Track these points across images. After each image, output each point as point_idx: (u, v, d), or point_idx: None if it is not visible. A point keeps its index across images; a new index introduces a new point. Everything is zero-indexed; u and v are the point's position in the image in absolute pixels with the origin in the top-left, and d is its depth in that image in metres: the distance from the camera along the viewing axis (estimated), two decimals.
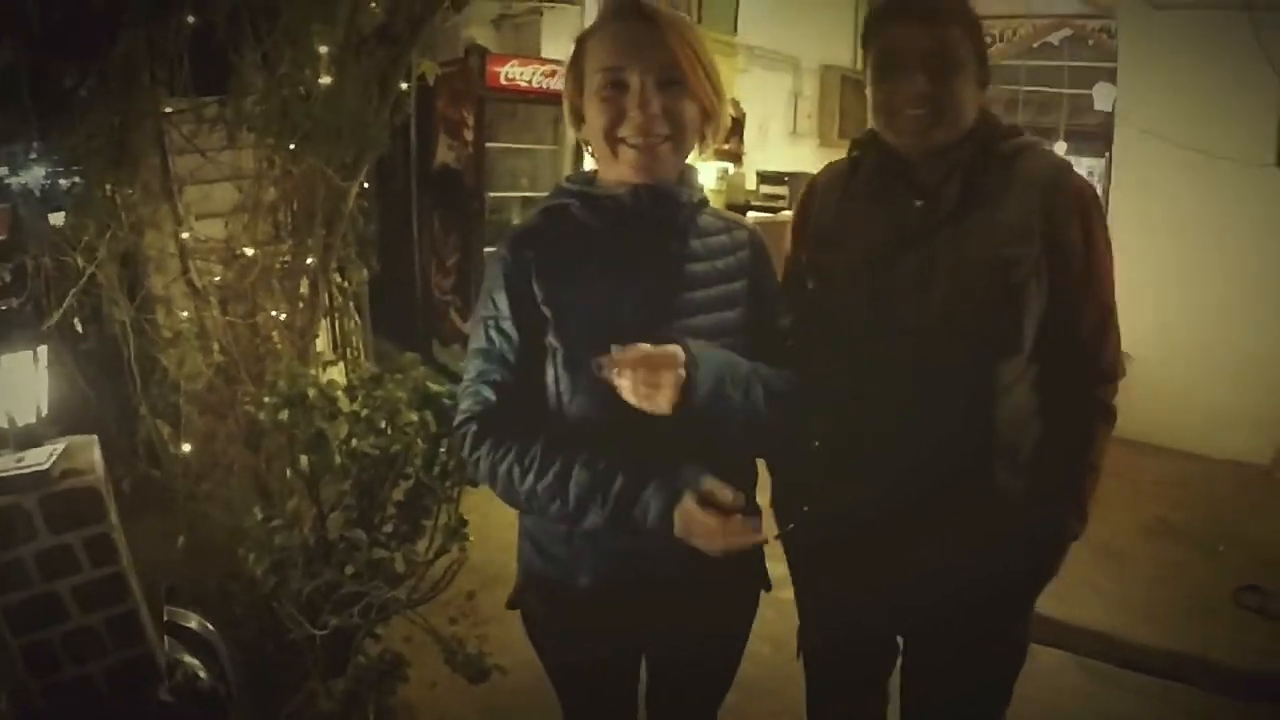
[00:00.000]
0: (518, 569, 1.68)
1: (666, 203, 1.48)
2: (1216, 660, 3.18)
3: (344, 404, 2.28)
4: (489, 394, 1.48)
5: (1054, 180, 1.59)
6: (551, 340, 1.46)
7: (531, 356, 1.48)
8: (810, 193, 1.82)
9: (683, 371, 1.32)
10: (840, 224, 1.70)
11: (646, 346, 1.32)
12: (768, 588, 1.69)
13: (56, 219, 2.62)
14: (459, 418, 1.52)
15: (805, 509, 1.83)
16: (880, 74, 1.59)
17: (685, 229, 1.52)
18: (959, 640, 1.71)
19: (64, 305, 2.54)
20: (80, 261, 2.55)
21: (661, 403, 1.32)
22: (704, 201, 1.57)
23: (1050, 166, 1.62)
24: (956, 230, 1.57)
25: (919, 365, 1.58)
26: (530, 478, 1.42)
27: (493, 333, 1.48)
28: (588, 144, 1.52)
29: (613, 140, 1.43)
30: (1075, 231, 1.57)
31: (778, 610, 1.84)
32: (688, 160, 1.55)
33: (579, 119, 1.50)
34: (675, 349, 1.33)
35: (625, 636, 1.62)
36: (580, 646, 1.63)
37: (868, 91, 1.64)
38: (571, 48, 1.51)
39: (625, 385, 1.32)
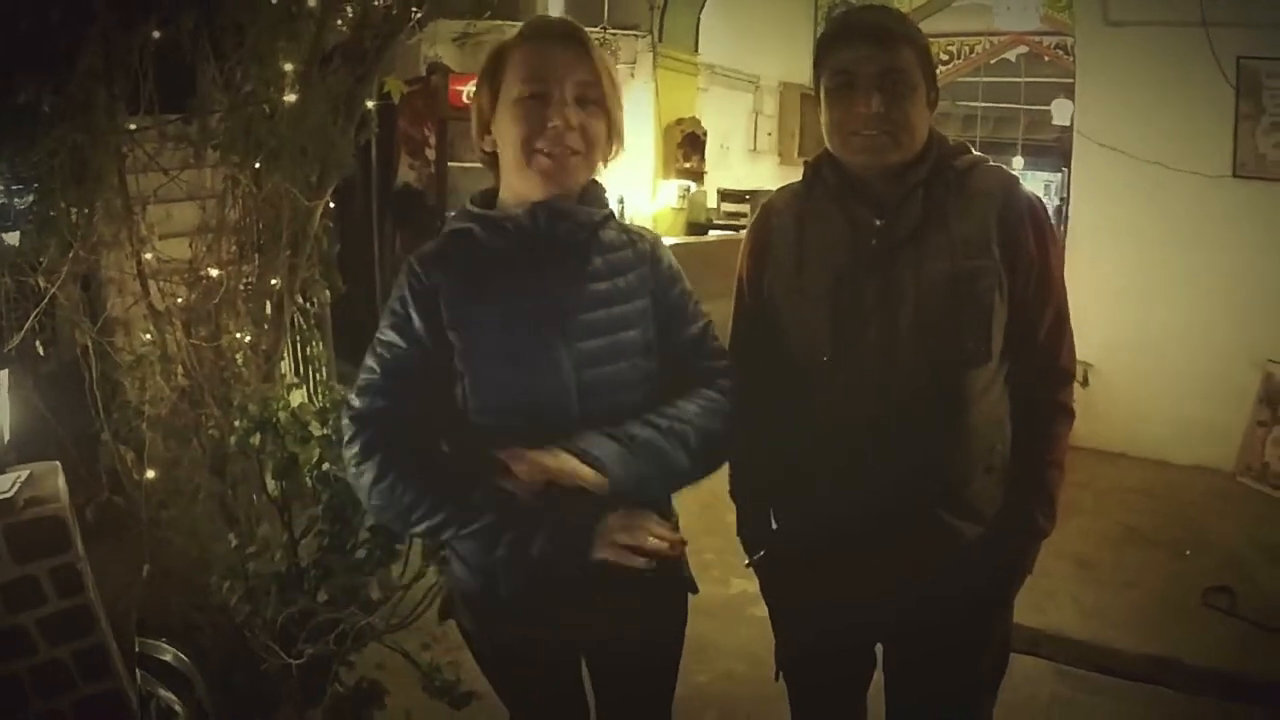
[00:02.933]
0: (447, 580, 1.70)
1: (565, 221, 1.49)
2: (1189, 661, 3.21)
3: (315, 427, 2.24)
4: (387, 384, 1.50)
5: (1007, 193, 1.64)
6: (458, 363, 1.48)
7: (429, 370, 1.49)
8: (766, 216, 1.82)
9: (591, 476, 1.38)
10: (800, 246, 1.71)
11: (541, 458, 1.38)
12: (693, 590, 1.70)
13: (12, 238, 2.56)
14: (349, 412, 1.52)
15: (774, 528, 1.85)
16: (835, 96, 1.61)
17: (586, 246, 1.53)
18: (939, 646, 1.71)
19: (24, 328, 2.47)
20: (41, 283, 2.49)
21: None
22: (609, 217, 1.58)
23: (1002, 180, 1.66)
24: (919, 247, 1.60)
25: (891, 382, 1.60)
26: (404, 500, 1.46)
27: (394, 334, 1.51)
28: (487, 153, 1.55)
29: (529, 151, 1.46)
30: (1030, 240, 1.61)
31: (753, 628, 1.82)
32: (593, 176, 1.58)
33: (485, 131, 1.53)
34: (573, 466, 1.38)
35: (553, 645, 1.63)
36: (510, 656, 1.64)
37: (822, 113, 1.66)
38: (487, 60, 1.53)
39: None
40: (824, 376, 1.64)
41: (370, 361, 1.52)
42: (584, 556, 1.42)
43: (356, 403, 1.51)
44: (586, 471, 1.38)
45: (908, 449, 1.60)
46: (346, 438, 1.50)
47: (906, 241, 1.60)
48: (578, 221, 1.51)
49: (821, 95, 1.64)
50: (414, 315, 1.50)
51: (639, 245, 1.59)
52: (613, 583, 1.46)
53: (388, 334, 1.52)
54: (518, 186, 1.51)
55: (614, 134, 1.54)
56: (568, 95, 1.44)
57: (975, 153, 1.70)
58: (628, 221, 1.71)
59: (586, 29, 1.53)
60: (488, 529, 1.43)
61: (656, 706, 1.78)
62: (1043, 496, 1.70)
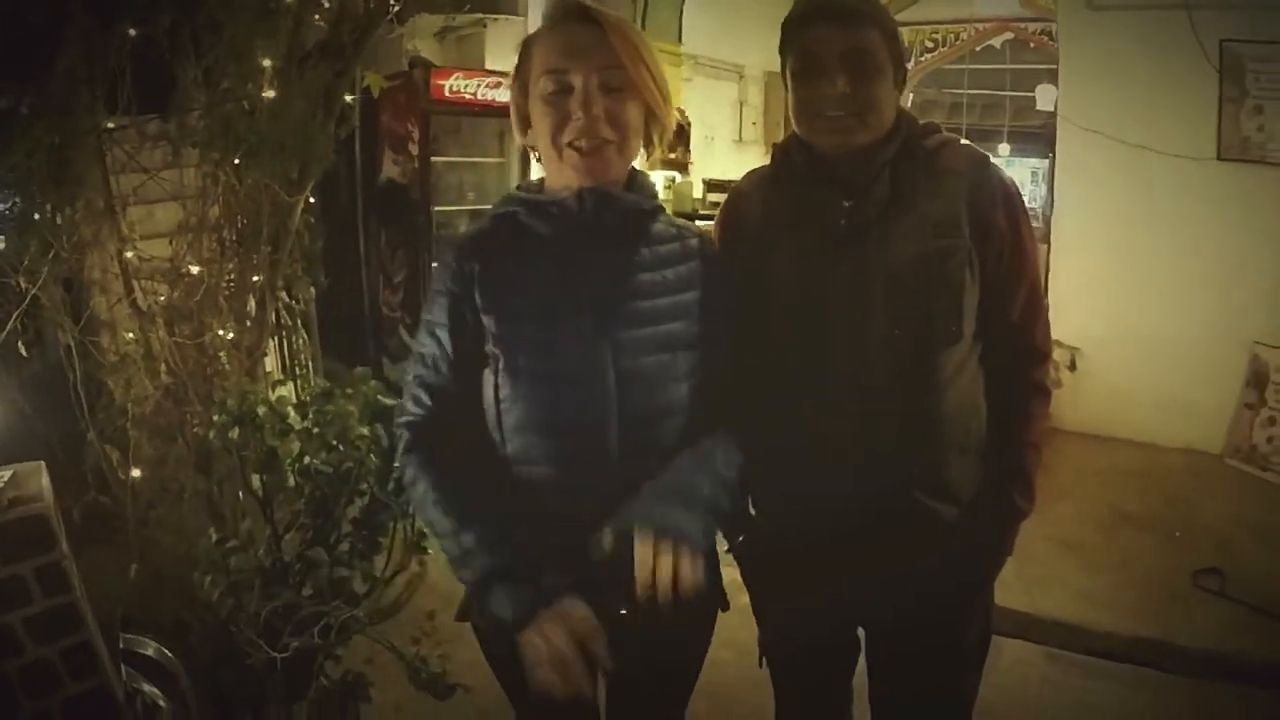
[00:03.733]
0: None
1: (612, 208, 1.46)
2: (1180, 643, 3.23)
3: (295, 420, 2.24)
4: (424, 397, 1.50)
5: (977, 171, 1.63)
6: (492, 349, 1.45)
7: (468, 366, 1.48)
8: (735, 200, 1.82)
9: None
10: (769, 229, 1.71)
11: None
12: (724, 608, 1.68)
13: None
14: (398, 418, 1.54)
15: (754, 514, 1.84)
16: (801, 77, 1.61)
17: (634, 236, 1.50)
18: (920, 630, 1.71)
19: (6, 328, 2.46)
20: (23, 284, 2.48)
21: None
22: (658, 209, 1.55)
23: (971, 159, 1.65)
24: (888, 227, 1.59)
25: (863, 363, 1.60)
26: (435, 514, 1.44)
27: (431, 338, 1.49)
28: (534, 150, 1.52)
29: (558, 144, 1.43)
30: (1001, 218, 1.60)
31: (741, 617, 1.82)
32: (638, 166, 1.55)
33: (525, 125, 1.51)
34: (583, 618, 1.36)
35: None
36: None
37: (789, 95, 1.65)
38: (517, 54, 1.51)
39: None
40: (796, 359, 1.63)
41: (409, 363, 1.53)
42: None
43: (404, 404, 1.53)
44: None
45: (881, 431, 1.60)
46: (397, 439, 1.54)
47: (875, 222, 1.59)
48: (626, 209, 1.48)
49: (787, 77, 1.64)
50: (445, 315, 1.48)
51: (688, 240, 1.56)
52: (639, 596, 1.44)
53: (420, 336, 1.51)
54: (556, 179, 1.50)
55: (652, 118, 1.49)
56: (591, 84, 1.40)
57: (944, 132, 1.69)
58: None
59: None
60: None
61: (670, 712, 1.74)
62: (1020, 477, 1.70)
